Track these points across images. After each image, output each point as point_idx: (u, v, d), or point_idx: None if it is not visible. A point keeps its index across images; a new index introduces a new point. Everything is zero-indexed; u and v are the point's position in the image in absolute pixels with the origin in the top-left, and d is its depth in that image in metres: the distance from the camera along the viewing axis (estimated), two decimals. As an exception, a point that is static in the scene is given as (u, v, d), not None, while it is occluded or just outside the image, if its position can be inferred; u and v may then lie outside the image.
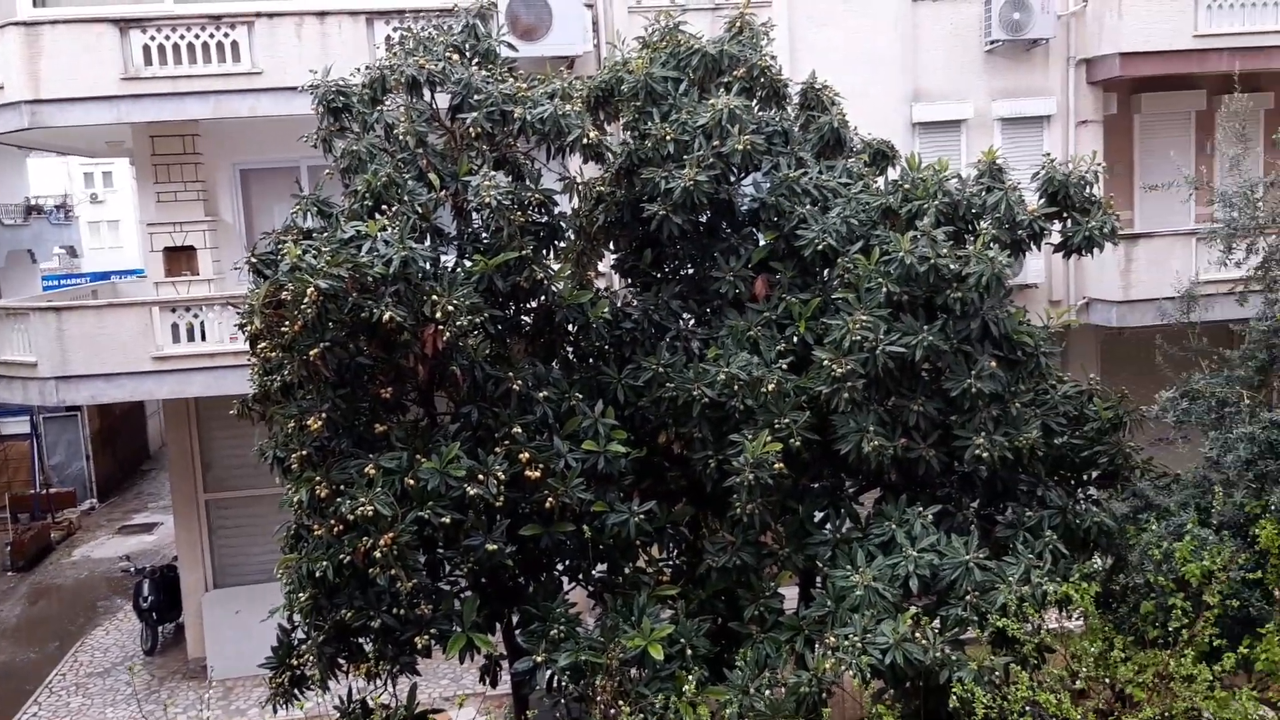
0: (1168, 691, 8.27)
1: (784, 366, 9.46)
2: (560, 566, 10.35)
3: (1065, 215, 10.59)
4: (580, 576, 10.33)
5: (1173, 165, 15.53)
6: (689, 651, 9.02)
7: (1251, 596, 9.21)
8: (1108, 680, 8.63)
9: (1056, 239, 10.68)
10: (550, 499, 9.11)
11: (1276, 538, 8.90)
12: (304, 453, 9.06)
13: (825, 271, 10.36)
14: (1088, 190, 10.48)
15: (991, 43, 15.77)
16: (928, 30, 16.00)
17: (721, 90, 10.29)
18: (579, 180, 10.91)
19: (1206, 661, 8.36)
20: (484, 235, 9.83)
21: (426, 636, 9.11)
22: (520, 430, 9.20)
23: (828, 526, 10.01)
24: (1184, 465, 10.75)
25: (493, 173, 9.24)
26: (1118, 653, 8.67)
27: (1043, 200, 10.50)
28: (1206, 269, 12.95)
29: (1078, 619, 9.28)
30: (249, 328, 8.95)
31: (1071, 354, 16.74)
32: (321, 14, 14.64)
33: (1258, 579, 9.16)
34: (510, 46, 11.07)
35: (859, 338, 9.19)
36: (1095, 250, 10.53)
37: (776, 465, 9.01)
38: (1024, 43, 15.81)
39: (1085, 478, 11.16)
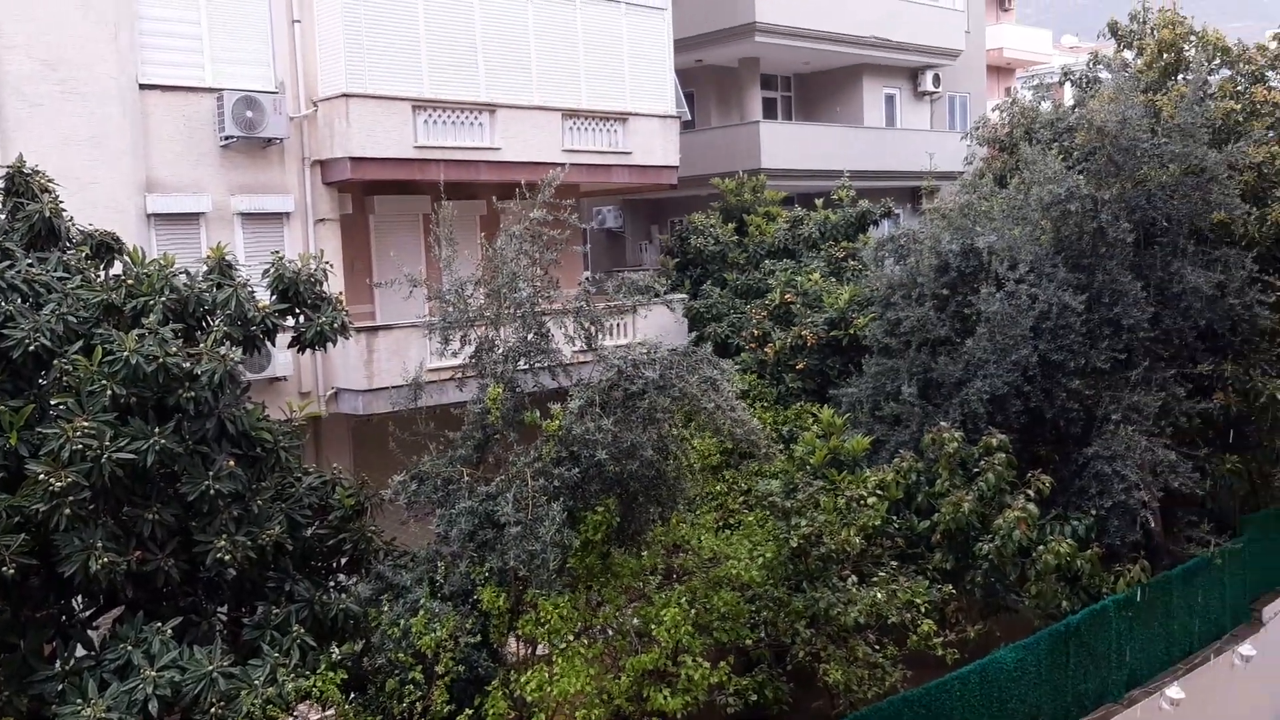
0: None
1: (-10, 485, 8.34)
2: None
3: (299, 311, 10.90)
4: None
5: (408, 262, 16.89)
6: None
7: (480, 657, 10.14)
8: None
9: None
10: None
11: (495, 599, 9.94)
12: None
13: (41, 374, 9.39)
14: (318, 287, 10.90)
15: (227, 138, 15.75)
16: (160, 120, 15.46)
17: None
18: None
19: (442, 726, 9.01)
20: None
21: None
22: None
23: (58, 659, 8.99)
24: (423, 543, 11.54)
25: None
26: (362, 736, 8.96)
27: (275, 297, 10.70)
28: (433, 359, 14.18)
29: (332, 709, 9.42)
30: None
31: (325, 444, 17.18)
32: None
33: (482, 641, 10.14)
34: None
35: (81, 446, 8.49)
36: (328, 344, 10.98)
37: (-18, 600, 7.86)
38: (260, 140, 16.04)
39: (334, 565, 11.46)
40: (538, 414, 10.98)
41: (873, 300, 17.94)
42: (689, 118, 24.86)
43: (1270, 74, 19.16)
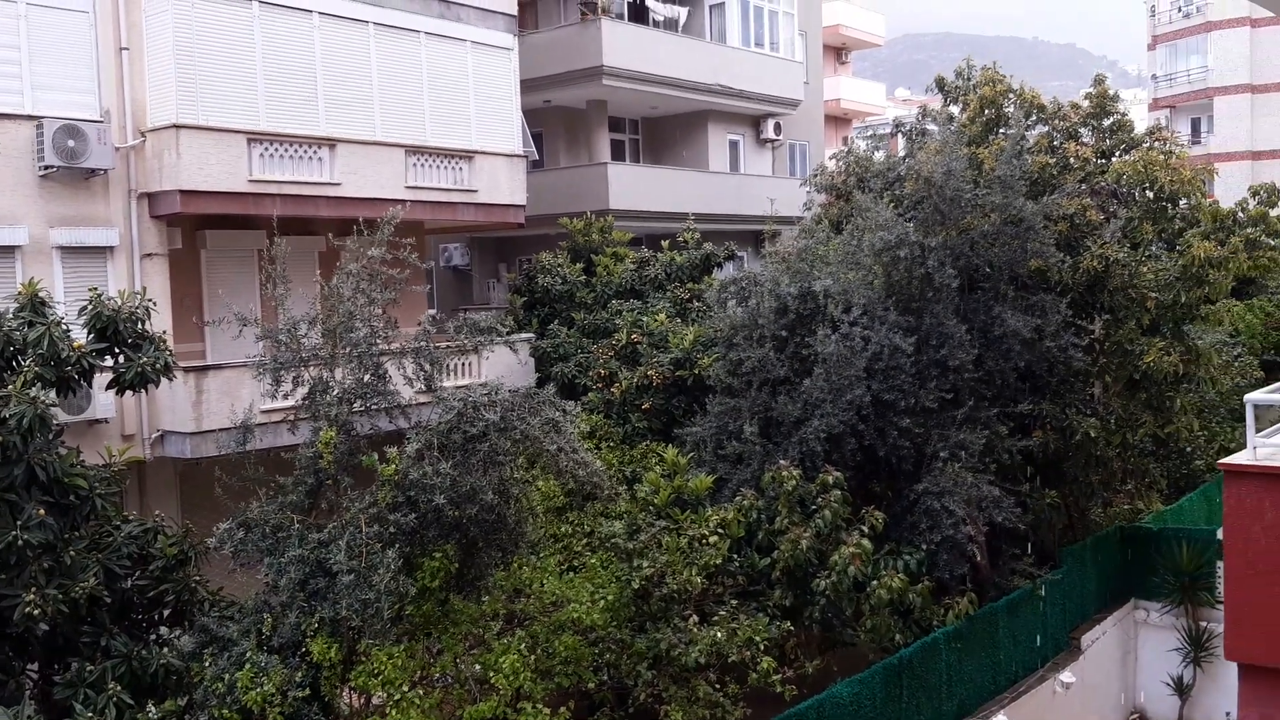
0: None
1: None
2: None
3: (118, 351, 10.40)
4: None
5: (243, 299, 16.25)
6: None
7: (310, 711, 9.74)
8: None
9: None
10: None
11: (327, 651, 9.59)
12: None
13: None
14: (139, 325, 10.43)
15: (47, 168, 14.95)
16: (-27, 147, 14.63)
17: None
18: None
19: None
20: None
21: None
22: None
23: None
24: (252, 594, 11.05)
25: None
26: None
27: (92, 336, 10.18)
28: (265, 400, 13.67)
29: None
30: None
31: (149, 490, 16.33)
32: None
33: (313, 694, 9.75)
34: None
35: None
36: (150, 385, 10.50)
37: None
38: (83, 171, 15.28)
39: (155, 618, 10.89)
40: (374, 457, 10.71)
41: (716, 341, 18.22)
42: (537, 157, 24.93)
43: (1082, 130, 20.47)
